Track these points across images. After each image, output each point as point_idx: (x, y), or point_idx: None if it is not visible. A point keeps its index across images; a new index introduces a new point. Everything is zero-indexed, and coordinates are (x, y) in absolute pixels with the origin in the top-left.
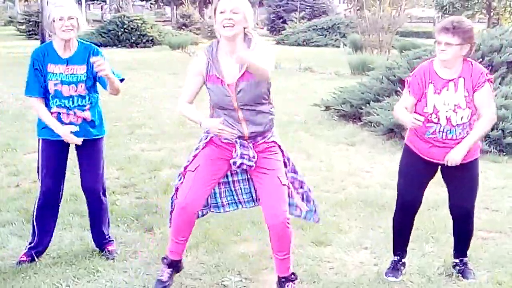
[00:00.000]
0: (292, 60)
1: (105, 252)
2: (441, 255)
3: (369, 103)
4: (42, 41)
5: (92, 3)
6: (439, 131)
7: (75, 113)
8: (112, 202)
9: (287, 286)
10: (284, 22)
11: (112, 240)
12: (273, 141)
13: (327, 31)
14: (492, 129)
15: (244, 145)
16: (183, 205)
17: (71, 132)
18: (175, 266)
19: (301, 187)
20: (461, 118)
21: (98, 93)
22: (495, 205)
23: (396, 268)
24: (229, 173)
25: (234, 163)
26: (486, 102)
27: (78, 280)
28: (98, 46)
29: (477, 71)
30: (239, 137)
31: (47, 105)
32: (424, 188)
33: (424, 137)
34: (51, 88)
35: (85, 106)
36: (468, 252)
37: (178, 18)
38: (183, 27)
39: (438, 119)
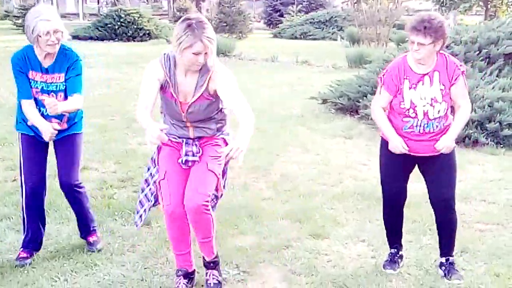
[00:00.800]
0: (289, 53)
1: (87, 244)
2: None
3: (366, 96)
4: None
5: None
6: (416, 125)
7: (51, 122)
8: (109, 196)
9: (207, 274)
10: (281, 15)
11: (94, 230)
12: (221, 138)
13: (324, 24)
14: (490, 121)
15: (188, 143)
16: (170, 210)
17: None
18: (190, 276)
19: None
20: (438, 111)
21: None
22: (492, 198)
23: (393, 260)
24: None
25: (181, 161)
26: (462, 93)
27: (76, 274)
28: (95, 39)
29: (451, 64)
30: (184, 137)
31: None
32: (406, 180)
33: (401, 131)
34: (33, 95)
35: (63, 116)
36: (466, 245)
37: (175, 11)
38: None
39: (416, 114)
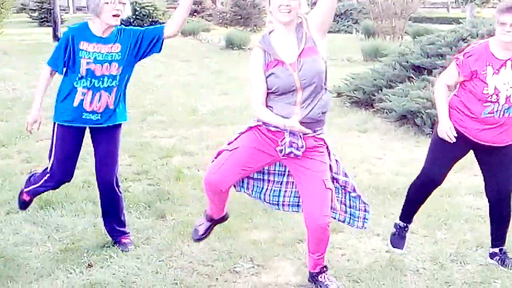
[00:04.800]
0: None
1: (118, 244)
2: (454, 242)
3: (381, 90)
4: (54, 28)
5: None
6: (496, 110)
7: (100, 96)
8: (124, 189)
9: (320, 277)
10: None
11: (128, 233)
12: (322, 139)
13: (340, 17)
14: None
15: (293, 133)
16: (209, 180)
17: (91, 120)
18: (216, 220)
19: (354, 191)
20: None
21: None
22: None
23: (401, 235)
24: (268, 172)
25: (281, 151)
26: None
27: (91, 266)
28: None
29: None
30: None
31: (73, 87)
32: (449, 168)
33: (480, 117)
34: (83, 67)
35: (113, 87)
36: (482, 239)
37: None
38: (195, 14)
39: (498, 98)
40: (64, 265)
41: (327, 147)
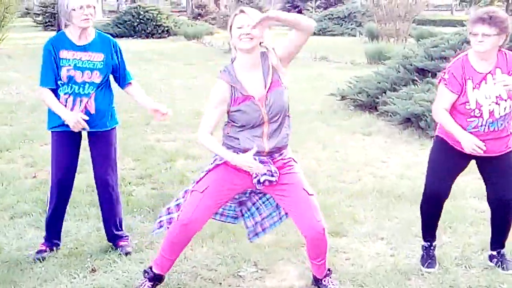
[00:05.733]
0: (308, 49)
1: (118, 248)
2: (459, 245)
3: (385, 93)
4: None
5: None
6: (481, 125)
7: (80, 102)
8: (128, 192)
9: (324, 281)
10: (300, 11)
11: (126, 236)
12: (289, 158)
13: (343, 20)
14: None
15: (263, 162)
16: (185, 222)
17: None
18: (158, 280)
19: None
20: (504, 109)
21: (111, 89)
22: None
23: (429, 255)
24: (250, 197)
25: (258, 181)
26: None
27: (94, 271)
28: (114, 37)
29: (511, 58)
30: (257, 153)
31: (56, 94)
32: (453, 180)
33: (466, 131)
34: (64, 74)
35: (90, 94)
36: (486, 241)
37: (194, 8)
38: (199, 17)
39: (481, 113)
40: (68, 269)
41: (295, 162)
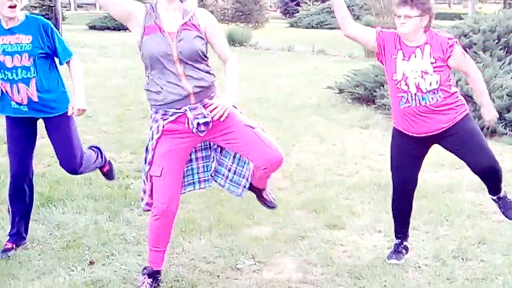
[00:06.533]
0: (306, 43)
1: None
2: (456, 238)
3: (383, 86)
4: (56, 26)
5: None
6: (411, 100)
7: (18, 89)
8: (126, 186)
9: (264, 193)
10: (298, 4)
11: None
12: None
13: None
14: (508, 111)
15: (192, 108)
16: (162, 209)
17: (20, 111)
18: (155, 276)
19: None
20: (430, 84)
21: (57, 73)
22: (510, 188)
23: (397, 251)
24: (193, 150)
25: (192, 128)
26: (464, 61)
27: (92, 263)
28: (112, 29)
29: (442, 37)
30: (184, 100)
31: None
32: (418, 168)
33: (400, 109)
34: None
35: (30, 79)
36: (484, 235)
37: None
38: None
39: (408, 87)
40: (66, 262)
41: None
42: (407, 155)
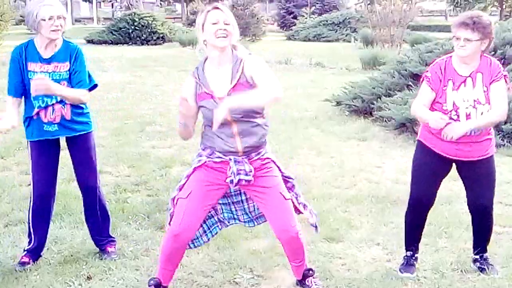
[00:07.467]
0: (303, 55)
1: (105, 253)
2: (455, 250)
3: (380, 98)
4: None
5: (103, 1)
6: None
7: (53, 109)
8: (123, 199)
9: (307, 281)
10: (295, 17)
11: (113, 240)
12: (267, 158)
13: (338, 26)
14: (506, 123)
15: (238, 161)
16: (176, 232)
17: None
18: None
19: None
20: (482, 113)
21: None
22: (509, 199)
23: (409, 263)
24: (227, 196)
25: (231, 181)
26: (499, 95)
27: (90, 278)
28: (109, 43)
29: (495, 66)
30: (232, 153)
31: (30, 106)
32: (437, 185)
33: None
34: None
35: (65, 101)
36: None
37: (189, 14)
38: (194, 24)
39: (458, 116)
40: (63, 277)
41: (274, 163)
42: (432, 172)
